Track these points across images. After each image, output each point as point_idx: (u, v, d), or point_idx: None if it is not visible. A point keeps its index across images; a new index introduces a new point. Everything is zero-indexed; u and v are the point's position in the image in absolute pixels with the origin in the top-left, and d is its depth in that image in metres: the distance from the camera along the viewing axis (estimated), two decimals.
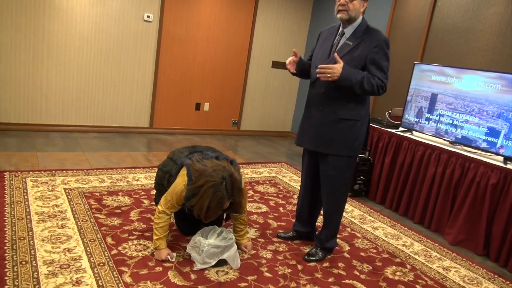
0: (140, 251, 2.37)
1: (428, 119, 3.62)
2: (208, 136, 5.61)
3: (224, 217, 2.71)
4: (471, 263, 2.84)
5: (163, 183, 2.49)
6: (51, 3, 4.35)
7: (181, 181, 2.24)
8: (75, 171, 3.47)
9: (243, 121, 6.00)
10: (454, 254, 2.95)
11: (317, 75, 2.27)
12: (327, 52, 2.41)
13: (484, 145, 3.18)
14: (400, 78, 4.51)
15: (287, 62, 2.49)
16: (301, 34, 6.05)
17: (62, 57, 4.54)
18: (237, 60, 5.69)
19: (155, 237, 2.29)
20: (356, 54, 2.29)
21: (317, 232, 2.73)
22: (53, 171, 3.38)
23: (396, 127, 3.92)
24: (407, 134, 3.70)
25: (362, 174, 3.88)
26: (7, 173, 3.20)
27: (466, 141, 3.31)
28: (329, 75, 2.21)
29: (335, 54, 2.26)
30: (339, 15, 2.32)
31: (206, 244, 2.27)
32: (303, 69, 2.53)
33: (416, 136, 3.66)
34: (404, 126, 3.85)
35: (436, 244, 3.07)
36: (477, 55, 3.85)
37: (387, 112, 4.20)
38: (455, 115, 3.39)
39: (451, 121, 3.43)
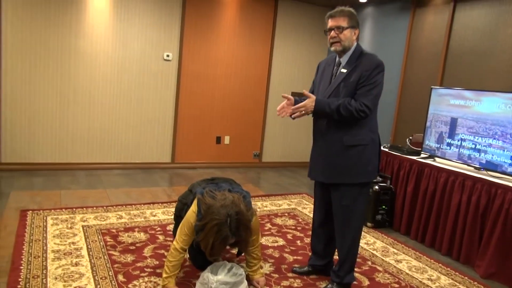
0: None
1: (449, 144, 3.48)
2: (229, 169, 5.63)
3: (236, 252, 2.67)
4: None
5: (181, 215, 2.51)
6: (77, 48, 4.61)
7: (192, 211, 2.27)
8: (94, 208, 3.54)
9: (264, 153, 5.99)
10: None
11: (292, 116, 2.34)
12: (328, 82, 2.43)
13: (510, 169, 3.00)
14: (419, 103, 4.41)
15: (278, 108, 2.42)
16: None
17: (87, 98, 4.76)
18: (256, 93, 5.76)
19: (164, 275, 2.27)
20: (351, 80, 2.30)
21: (333, 266, 2.61)
22: (74, 209, 3.46)
23: (417, 153, 3.79)
24: (428, 161, 3.57)
25: (384, 204, 3.73)
26: (30, 211, 3.31)
27: (491, 166, 3.14)
28: (303, 111, 2.29)
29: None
30: (332, 48, 2.36)
31: (214, 280, 2.22)
32: None
33: (439, 162, 3.52)
34: (425, 152, 3.72)
35: (466, 278, 2.87)
36: (497, 76, 3.72)
37: (407, 139, 4.08)
38: (477, 139, 3.25)
39: (473, 146, 3.28)
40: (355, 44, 2.37)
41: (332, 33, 2.33)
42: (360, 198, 2.41)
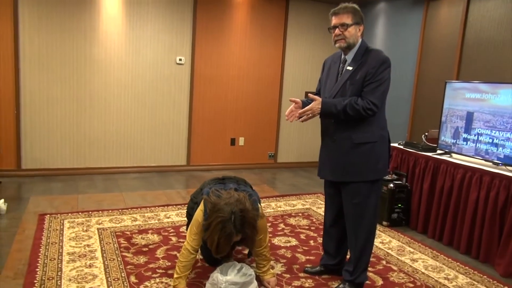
0: None
1: (466, 140, 3.39)
2: (244, 170, 5.63)
3: (247, 253, 2.66)
4: None
5: (192, 214, 2.54)
6: (92, 55, 4.72)
7: (199, 211, 2.29)
8: (110, 211, 3.60)
9: (279, 153, 5.97)
10: (506, 287, 2.64)
11: (299, 120, 2.33)
12: (334, 80, 2.40)
13: None
14: (434, 99, 4.31)
15: (287, 113, 2.43)
16: None
17: (103, 104, 4.86)
18: (270, 94, 5.75)
19: (175, 275, 2.29)
20: (357, 78, 2.27)
21: (346, 266, 2.57)
22: (90, 212, 3.53)
23: (433, 150, 3.70)
24: (445, 157, 3.47)
25: (400, 202, 3.66)
26: (48, 215, 3.39)
27: (509, 161, 3.03)
28: (310, 114, 2.28)
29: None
30: (337, 45, 2.34)
31: (223, 281, 2.22)
32: None
33: (455, 158, 3.43)
34: (441, 149, 3.63)
35: (485, 277, 2.78)
36: None
37: (423, 135, 3.99)
38: (495, 133, 3.14)
39: (490, 140, 3.18)
40: (360, 40, 2.34)
41: (337, 30, 2.30)
42: (372, 195, 2.37)
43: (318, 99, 2.28)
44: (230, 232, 2.09)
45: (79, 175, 4.79)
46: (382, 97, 2.27)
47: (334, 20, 2.32)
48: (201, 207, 2.28)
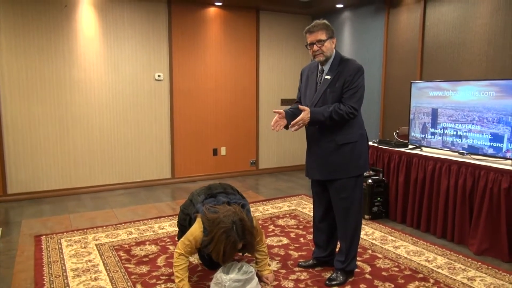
0: None
1: (433, 134, 3.71)
2: (228, 178, 5.80)
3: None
4: (497, 271, 2.82)
5: (184, 224, 2.70)
6: (72, 77, 4.80)
7: (197, 227, 2.44)
8: (104, 227, 3.69)
9: (260, 160, 6.18)
10: (480, 263, 2.94)
11: (292, 130, 2.51)
12: (314, 88, 2.64)
13: (490, 151, 3.23)
14: (402, 98, 4.64)
15: (272, 123, 2.58)
16: None
17: (85, 123, 4.93)
18: (247, 103, 5.97)
19: (177, 280, 2.44)
20: (337, 85, 2.53)
21: (336, 256, 2.80)
22: (85, 230, 3.61)
23: (405, 145, 4.01)
24: (416, 151, 3.78)
25: (378, 196, 3.94)
26: (44, 236, 3.46)
27: (473, 150, 3.37)
28: (301, 124, 2.47)
29: (299, 105, 2.54)
30: (317, 59, 2.58)
31: (227, 279, 2.39)
32: (295, 115, 2.60)
33: (425, 151, 3.74)
34: (412, 143, 3.94)
35: (461, 256, 3.07)
36: (472, 66, 3.96)
37: (394, 132, 4.31)
38: (458, 126, 3.48)
39: (455, 133, 3.51)
40: (334, 51, 2.60)
41: (314, 47, 2.53)
42: (357, 189, 2.63)
43: (307, 109, 2.47)
44: (234, 240, 2.29)
45: (67, 196, 4.82)
46: (360, 101, 2.55)
47: (310, 38, 2.55)
48: (198, 221, 2.44)
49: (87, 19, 4.82)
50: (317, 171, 2.66)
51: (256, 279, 2.48)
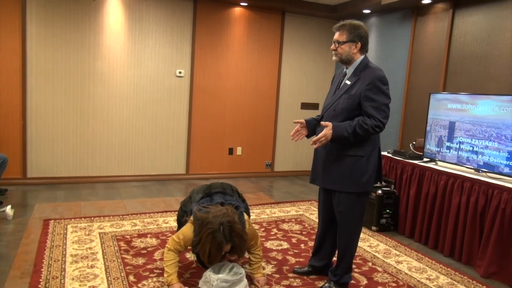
0: (158, 287, 2.53)
1: (449, 148, 3.56)
2: (242, 179, 5.81)
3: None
4: None
5: (181, 221, 2.73)
6: (95, 69, 4.95)
7: (189, 227, 2.47)
8: (111, 217, 3.78)
9: (276, 162, 6.15)
10: (484, 287, 2.79)
11: (314, 146, 2.40)
12: (333, 92, 2.57)
13: (506, 170, 3.07)
14: (423, 109, 4.49)
15: (292, 133, 2.58)
16: (327, 74, 6.24)
17: (105, 115, 5.07)
18: (267, 104, 5.96)
19: (166, 275, 2.46)
20: (352, 92, 2.41)
21: (331, 267, 2.73)
22: (92, 218, 3.71)
23: (420, 158, 3.87)
24: (430, 164, 3.65)
25: (388, 208, 3.82)
26: (52, 221, 3.58)
27: (488, 167, 3.21)
28: (323, 141, 2.35)
29: (322, 122, 2.42)
30: (333, 58, 2.52)
31: (215, 278, 2.39)
32: (315, 126, 2.61)
33: (439, 165, 3.60)
34: (427, 156, 3.80)
35: (465, 277, 2.93)
36: (498, 80, 3.78)
37: (411, 144, 4.17)
38: (475, 141, 3.32)
39: (471, 148, 3.35)
40: (361, 56, 2.47)
41: (332, 45, 2.50)
42: (356, 208, 2.50)
43: (329, 124, 2.34)
44: (220, 241, 2.28)
45: (82, 183, 4.98)
46: (387, 114, 2.39)
47: (334, 36, 2.49)
48: (191, 221, 2.47)
49: (114, 14, 4.95)
50: (319, 177, 2.60)
51: (245, 281, 2.46)
